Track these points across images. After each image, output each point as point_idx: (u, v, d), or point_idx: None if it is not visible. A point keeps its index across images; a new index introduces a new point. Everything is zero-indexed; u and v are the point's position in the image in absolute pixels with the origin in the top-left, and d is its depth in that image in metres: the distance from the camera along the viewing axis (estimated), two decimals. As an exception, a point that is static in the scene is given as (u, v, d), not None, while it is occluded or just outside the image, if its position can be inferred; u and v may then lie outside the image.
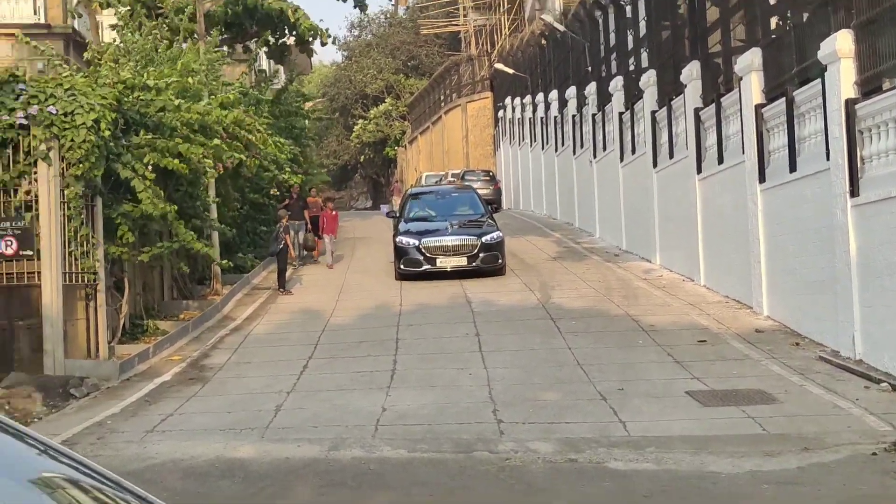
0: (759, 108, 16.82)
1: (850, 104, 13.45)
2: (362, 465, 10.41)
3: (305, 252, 27.77)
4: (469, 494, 9.47)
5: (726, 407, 11.82)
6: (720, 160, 19.16)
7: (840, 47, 13.34)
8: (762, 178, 16.83)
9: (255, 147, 22.64)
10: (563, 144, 35.55)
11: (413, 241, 22.99)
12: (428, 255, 22.69)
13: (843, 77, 13.49)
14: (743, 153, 17.56)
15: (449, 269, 22.64)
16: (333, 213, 27.69)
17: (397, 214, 26.18)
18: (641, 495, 9.08)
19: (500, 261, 23.01)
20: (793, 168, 15.54)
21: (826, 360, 13.65)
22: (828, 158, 14.09)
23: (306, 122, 33.47)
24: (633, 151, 25.83)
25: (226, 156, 20.24)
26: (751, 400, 12.05)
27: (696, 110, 20.33)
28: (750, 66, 16.98)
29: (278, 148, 25.79)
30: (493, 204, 45.65)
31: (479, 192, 48.01)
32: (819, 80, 14.39)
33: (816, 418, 11.18)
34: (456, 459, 10.43)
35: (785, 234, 16.09)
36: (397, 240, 23.45)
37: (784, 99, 15.76)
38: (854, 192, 13.44)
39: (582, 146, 32.42)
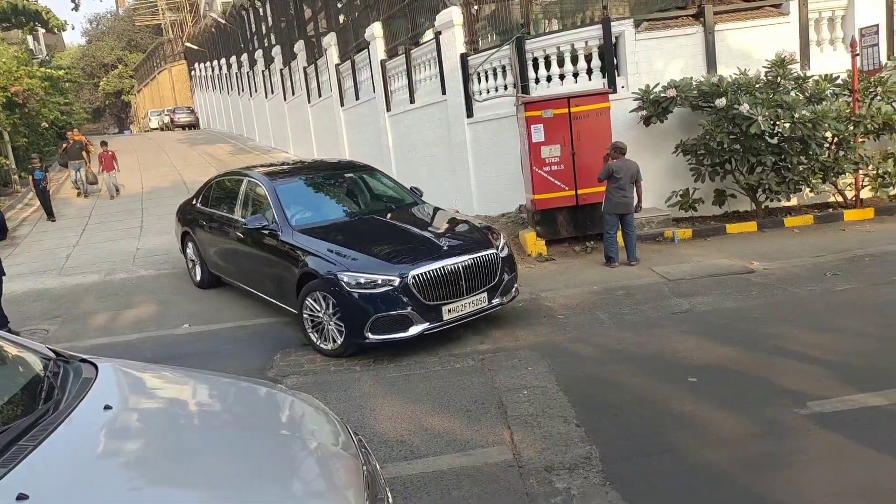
0: (384, 62, 16.95)
1: (464, 57, 13.57)
2: (127, 282, 11.13)
3: (91, 186, 21.94)
4: (189, 286, 10.45)
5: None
6: (356, 97, 19.34)
7: (454, 18, 13.56)
8: (388, 108, 16.96)
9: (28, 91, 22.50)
10: (233, 89, 39.39)
11: (387, 278, 7.20)
12: (425, 300, 7.32)
13: (458, 39, 13.56)
14: (374, 92, 17.67)
15: (460, 322, 7.62)
16: (110, 153, 21.18)
17: (266, 222, 8.46)
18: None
19: (516, 285, 8.40)
20: (412, 100, 15.73)
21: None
22: (444, 93, 14.03)
23: (66, 83, 33.57)
24: (294, 93, 26.54)
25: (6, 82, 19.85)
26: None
27: (336, 66, 20.76)
28: (375, 36, 17.15)
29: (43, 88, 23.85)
30: (194, 127, 48.54)
31: (183, 120, 51.41)
32: (433, 40, 14.27)
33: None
34: (184, 271, 11.28)
35: (402, 143, 16.45)
36: (344, 277, 7.25)
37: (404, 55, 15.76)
38: (469, 114, 13.56)
39: (244, 90, 35.79)
